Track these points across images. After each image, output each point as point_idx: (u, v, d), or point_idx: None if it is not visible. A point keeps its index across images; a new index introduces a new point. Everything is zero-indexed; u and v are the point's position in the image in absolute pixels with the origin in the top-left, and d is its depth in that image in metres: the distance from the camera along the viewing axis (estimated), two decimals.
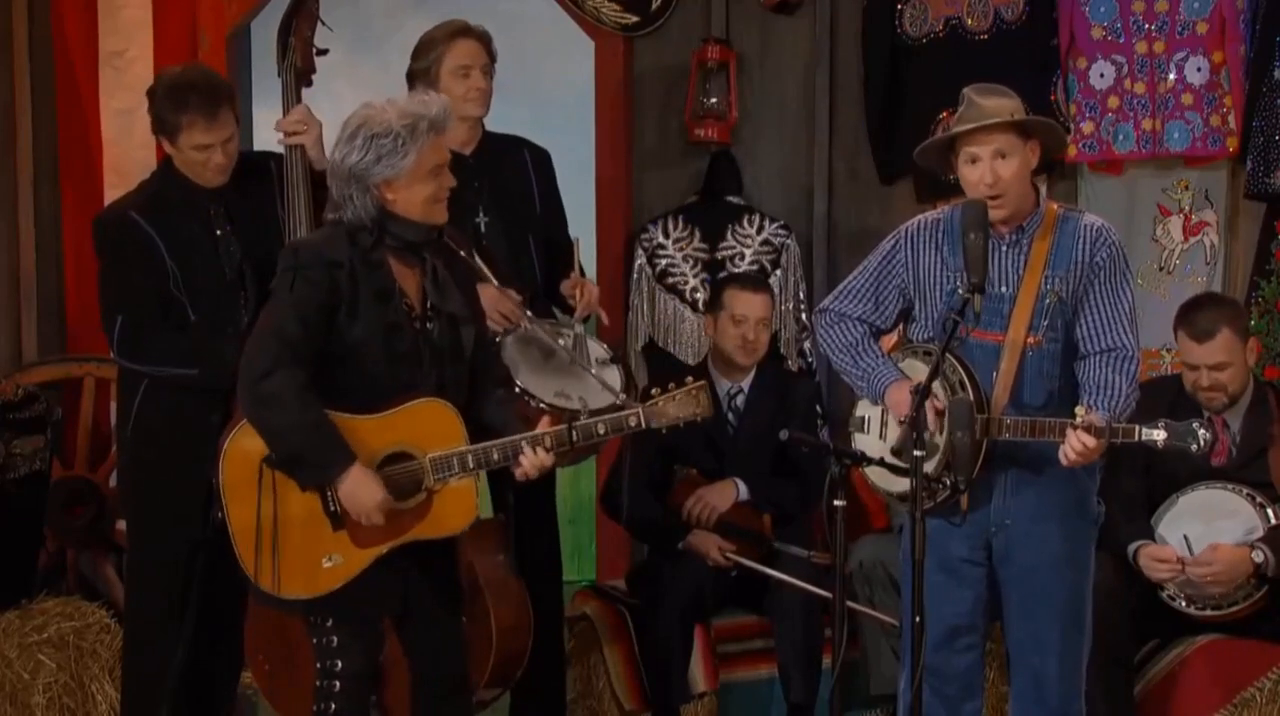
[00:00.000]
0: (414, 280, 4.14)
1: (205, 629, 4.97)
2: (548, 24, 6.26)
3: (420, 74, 5.05)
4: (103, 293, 4.87)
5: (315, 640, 4.19)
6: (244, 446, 4.09)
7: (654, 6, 6.18)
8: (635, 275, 6.15)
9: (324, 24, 4.94)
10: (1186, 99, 5.74)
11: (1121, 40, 5.80)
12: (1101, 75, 5.82)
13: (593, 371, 4.86)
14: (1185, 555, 4.90)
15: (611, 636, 5.41)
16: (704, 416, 4.14)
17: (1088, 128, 5.83)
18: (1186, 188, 5.87)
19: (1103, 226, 4.37)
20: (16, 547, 5.69)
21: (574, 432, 4.09)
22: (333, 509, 4.05)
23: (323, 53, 4.96)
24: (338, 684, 4.17)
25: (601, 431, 4.12)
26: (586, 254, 5.48)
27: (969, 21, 5.94)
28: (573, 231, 5.29)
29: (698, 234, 6.14)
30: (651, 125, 6.29)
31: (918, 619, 4.05)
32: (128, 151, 6.04)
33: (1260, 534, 4.90)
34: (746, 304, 5.47)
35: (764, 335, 5.52)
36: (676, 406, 4.12)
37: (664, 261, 6.15)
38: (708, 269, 6.09)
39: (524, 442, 4.08)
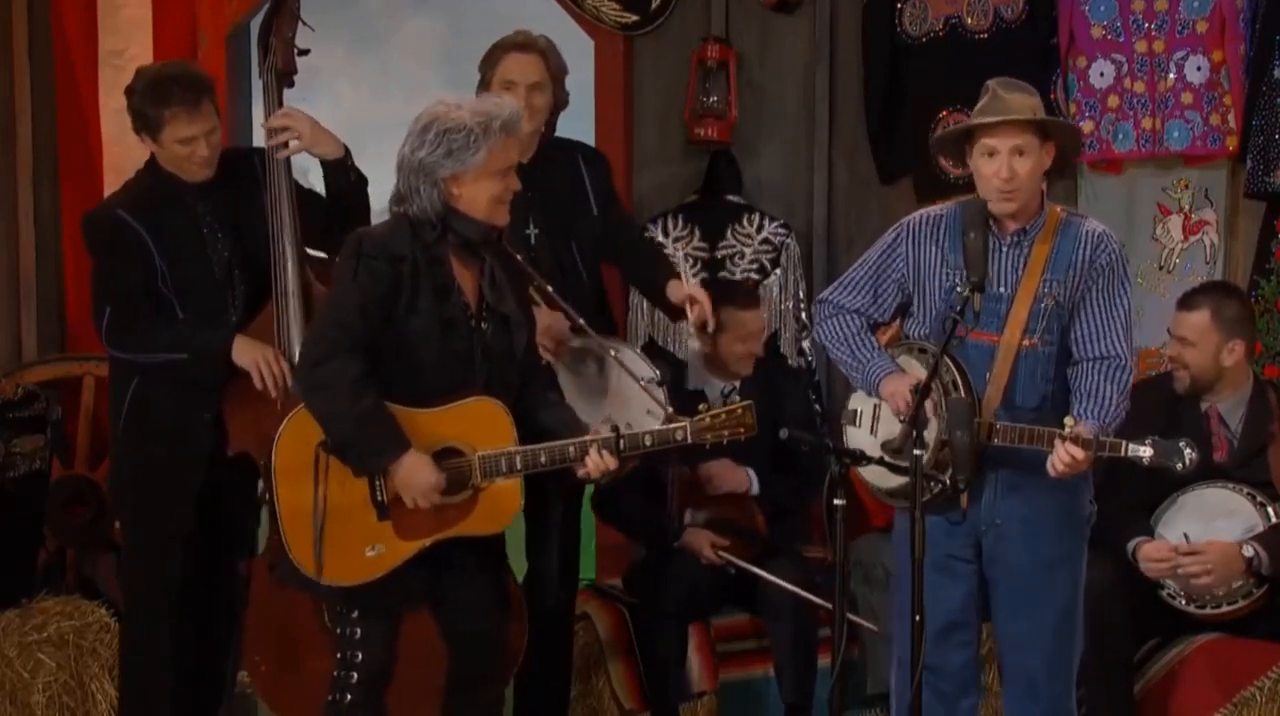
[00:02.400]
0: (471, 279, 4.21)
1: (203, 626, 4.98)
2: (547, 23, 6.23)
3: (481, 80, 5.07)
4: (94, 285, 4.90)
5: (339, 630, 4.22)
6: (299, 430, 4.12)
7: (654, 6, 6.18)
8: None
9: (305, 24, 4.95)
10: (1186, 98, 5.74)
11: (1121, 39, 5.79)
12: (1101, 74, 5.82)
13: (640, 383, 4.84)
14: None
15: (611, 636, 5.42)
16: (748, 435, 4.23)
17: (1087, 127, 5.82)
18: (1186, 187, 5.87)
19: (1104, 233, 4.36)
20: (16, 547, 5.69)
21: (621, 442, 4.15)
22: (380, 498, 4.10)
23: (304, 53, 4.96)
24: (355, 675, 4.21)
25: (648, 442, 4.21)
26: None
27: (969, 20, 5.94)
28: None
29: (697, 233, 6.14)
30: (651, 124, 6.29)
31: (917, 617, 4.05)
32: (127, 150, 6.01)
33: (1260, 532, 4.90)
34: (749, 322, 5.49)
35: (761, 343, 5.55)
36: (723, 424, 4.20)
37: None
38: (708, 268, 6.08)
39: (572, 447, 4.16)
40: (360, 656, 4.20)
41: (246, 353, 4.72)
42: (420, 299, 4.10)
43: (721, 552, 5.29)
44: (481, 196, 4.12)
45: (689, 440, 4.21)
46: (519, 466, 4.15)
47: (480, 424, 4.15)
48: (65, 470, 5.95)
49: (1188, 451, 4.12)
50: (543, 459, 4.16)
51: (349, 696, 4.21)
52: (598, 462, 4.17)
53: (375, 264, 4.07)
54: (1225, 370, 5.05)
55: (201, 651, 5.00)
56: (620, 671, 5.37)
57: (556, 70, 5.10)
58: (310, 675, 4.74)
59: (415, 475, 4.07)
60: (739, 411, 4.21)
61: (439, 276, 4.13)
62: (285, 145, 4.85)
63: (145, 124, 4.76)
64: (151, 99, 4.74)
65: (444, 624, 4.32)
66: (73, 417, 6.00)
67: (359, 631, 4.20)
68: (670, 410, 4.69)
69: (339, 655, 4.22)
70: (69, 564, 5.96)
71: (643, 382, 4.81)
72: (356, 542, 4.12)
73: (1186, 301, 5.13)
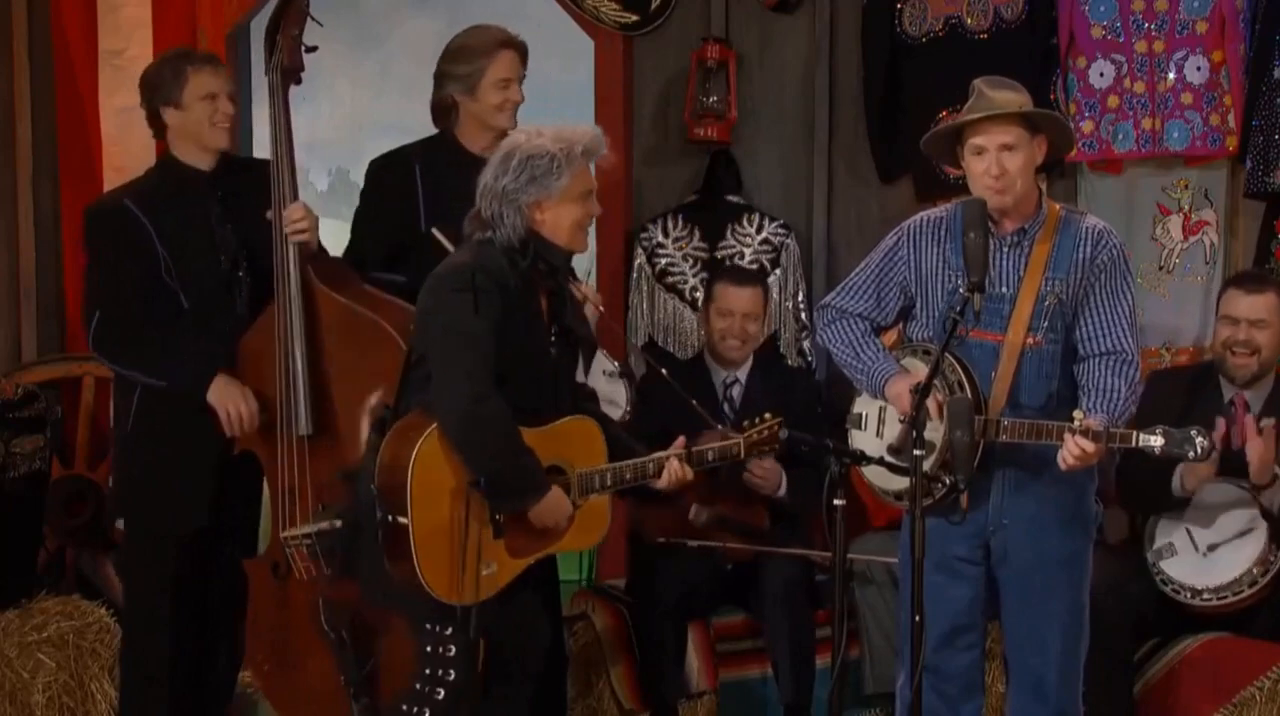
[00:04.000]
0: (545, 302, 4.28)
1: (204, 627, 4.98)
2: (547, 23, 6.26)
3: (457, 79, 5.03)
4: (86, 284, 4.93)
5: (427, 648, 4.24)
6: (435, 454, 4.13)
7: (653, 6, 6.18)
8: (635, 274, 6.15)
9: (314, 20, 4.92)
10: (1186, 98, 5.74)
11: (1121, 39, 5.79)
12: (1101, 74, 5.82)
13: (603, 375, 5.00)
14: (1189, 550, 4.93)
15: (611, 636, 5.41)
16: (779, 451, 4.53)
17: (1087, 127, 5.83)
18: (1186, 187, 5.87)
19: (1104, 229, 4.37)
20: (16, 547, 5.68)
21: (693, 457, 4.36)
22: (497, 517, 4.15)
23: (311, 50, 4.93)
24: (441, 691, 4.24)
25: (710, 457, 4.41)
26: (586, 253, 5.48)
27: (969, 20, 5.94)
28: None
29: (697, 233, 6.14)
30: (651, 124, 6.29)
31: (917, 618, 4.05)
32: (127, 150, 6.04)
33: (1262, 527, 4.91)
34: (733, 298, 5.48)
35: (751, 327, 5.53)
36: (764, 440, 4.43)
37: (663, 260, 6.15)
38: (707, 268, 6.08)
39: (651, 464, 4.32)
40: (453, 674, 4.23)
41: (218, 394, 4.76)
42: (521, 325, 4.18)
43: (704, 543, 5.32)
44: (565, 221, 4.21)
45: (742, 455, 4.42)
46: (609, 483, 4.28)
47: (579, 442, 4.28)
48: (65, 470, 5.94)
49: (1199, 439, 4.12)
50: (628, 476, 4.31)
51: (427, 712, 4.24)
52: (677, 472, 4.33)
53: (490, 295, 4.12)
54: (1278, 355, 5.10)
55: (203, 652, 5.00)
56: (620, 671, 5.37)
57: (526, 66, 5.11)
58: (313, 674, 4.74)
59: (558, 508, 4.18)
60: (775, 427, 4.41)
61: (532, 303, 4.23)
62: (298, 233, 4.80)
63: (167, 94, 4.83)
64: (172, 66, 4.85)
65: (492, 634, 4.36)
66: (72, 417, 6.00)
67: (452, 650, 4.22)
68: (628, 405, 4.98)
69: (425, 670, 4.24)
70: (69, 564, 5.96)
71: (605, 374, 4.97)
72: (474, 562, 4.16)
73: (1252, 285, 5.15)
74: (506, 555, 4.20)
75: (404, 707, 4.26)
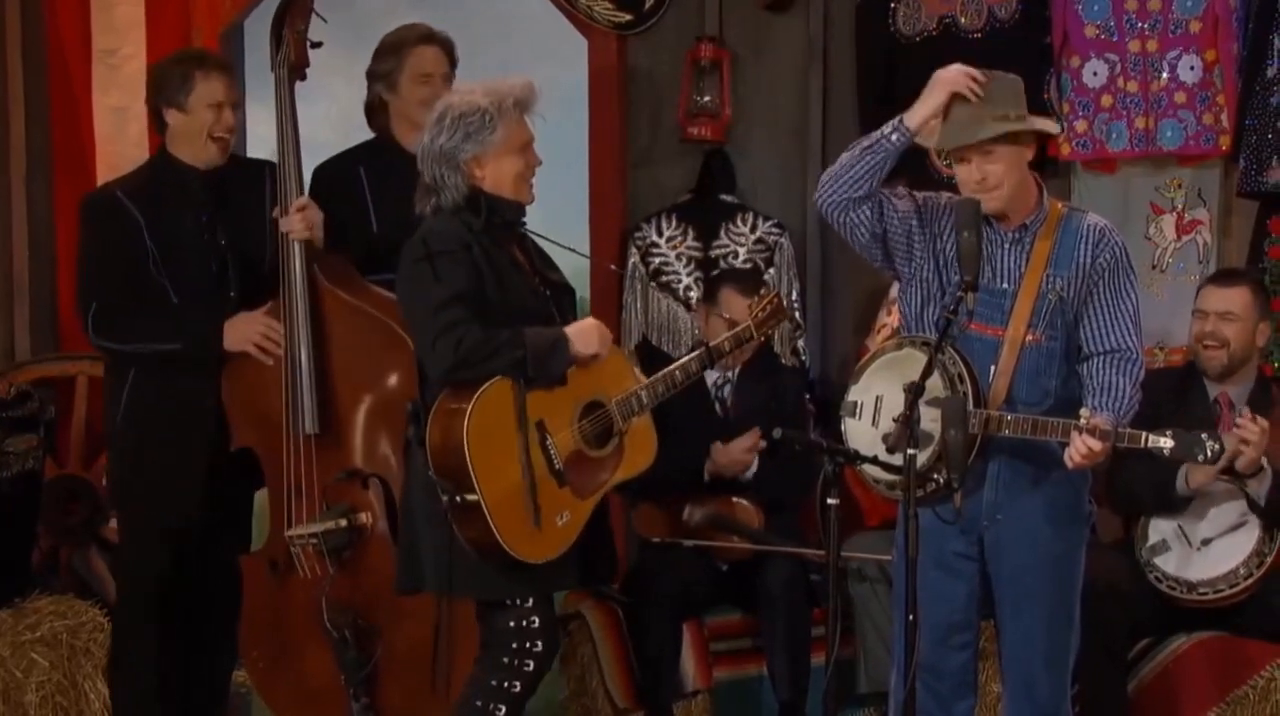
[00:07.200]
0: (520, 254, 4.31)
1: (197, 625, 4.98)
2: (541, 22, 6.26)
3: (380, 76, 5.04)
4: (79, 274, 4.94)
5: (511, 623, 4.23)
6: (485, 423, 4.11)
7: (647, 5, 6.18)
8: (629, 274, 6.15)
9: (319, 16, 4.93)
10: (1179, 97, 5.75)
11: (1115, 39, 5.80)
12: (1095, 74, 5.83)
13: None
14: (1183, 546, 4.95)
15: (605, 635, 5.41)
16: (788, 320, 4.74)
17: (1081, 126, 5.84)
18: (1179, 186, 5.88)
19: (1105, 228, 4.37)
20: (10, 546, 5.67)
21: (711, 354, 4.49)
22: (557, 467, 4.17)
23: (316, 45, 4.94)
24: (531, 663, 4.24)
25: (728, 347, 4.57)
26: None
27: (963, 20, 5.94)
28: (567, 230, 5.26)
29: (691, 232, 6.14)
30: (645, 124, 6.29)
31: (910, 617, 4.05)
32: (121, 149, 6.03)
33: (1254, 519, 4.92)
34: (734, 303, 5.47)
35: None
36: (770, 315, 4.58)
37: (657, 260, 6.15)
38: (701, 267, 6.09)
39: (678, 372, 4.39)
40: (540, 645, 4.23)
41: (238, 334, 4.76)
42: (503, 277, 4.18)
43: (713, 542, 5.33)
44: (506, 174, 4.21)
45: (755, 334, 4.56)
46: (646, 402, 4.33)
47: (609, 371, 4.31)
48: (59, 469, 5.93)
49: (1210, 443, 4.11)
50: (661, 389, 4.36)
51: (518, 685, 4.23)
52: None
53: (451, 255, 4.12)
54: (1254, 352, 5.12)
55: (196, 650, 4.99)
56: (614, 670, 5.37)
57: (455, 61, 5.10)
58: (308, 671, 4.74)
59: (590, 329, 4.23)
60: (774, 300, 4.59)
61: (505, 255, 4.23)
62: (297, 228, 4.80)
63: (171, 91, 4.83)
64: (183, 68, 4.84)
65: None
66: (66, 417, 5.99)
67: (536, 620, 4.23)
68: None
69: (514, 645, 4.23)
70: (62, 563, 5.95)
71: None
72: (549, 516, 4.17)
73: (1224, 279, 5.20)
74: (575, 499, 4.22)
75: (493, 683, 4.23)
